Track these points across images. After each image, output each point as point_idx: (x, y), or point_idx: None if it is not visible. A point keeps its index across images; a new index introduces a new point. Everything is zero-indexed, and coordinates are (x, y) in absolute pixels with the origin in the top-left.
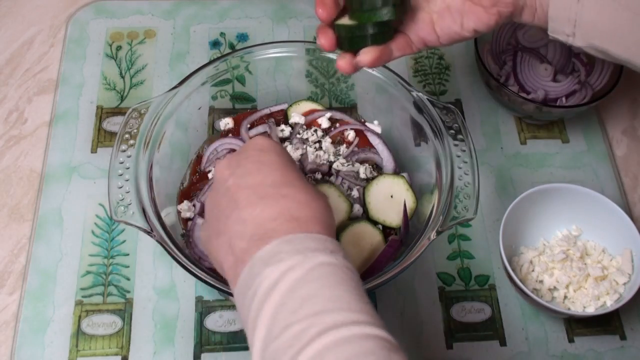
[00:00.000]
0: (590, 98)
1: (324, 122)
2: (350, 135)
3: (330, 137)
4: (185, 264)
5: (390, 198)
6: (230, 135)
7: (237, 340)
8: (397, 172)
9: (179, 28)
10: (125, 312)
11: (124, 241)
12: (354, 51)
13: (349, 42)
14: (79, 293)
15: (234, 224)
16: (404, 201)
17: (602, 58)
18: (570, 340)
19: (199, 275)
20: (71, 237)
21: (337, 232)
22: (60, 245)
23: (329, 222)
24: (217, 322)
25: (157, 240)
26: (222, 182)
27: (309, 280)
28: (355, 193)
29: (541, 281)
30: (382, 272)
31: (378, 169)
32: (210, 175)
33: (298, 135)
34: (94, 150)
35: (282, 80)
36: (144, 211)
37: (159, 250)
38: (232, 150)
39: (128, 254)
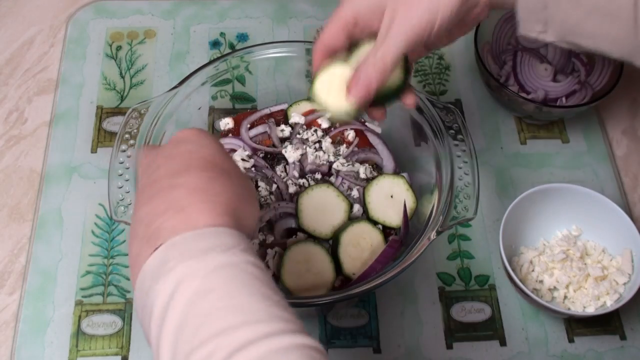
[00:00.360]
0: (590, 98)
1: (324, 122)
2: (350, 135)
3: (330, 137)
4: None
5: (390, 198)
6: (230, 135)
7: None
8: (397, 172)
9: (179, 28)
10: (125, 312)
11: (124, 241)
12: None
13: (382, 99)
14: (79, 293)
15: (134, 223)
16: (404, 201)
17: (574, 49)
18: (570, 340)
19: None
20: (71, 237)
21: (337, 232)
22: (60, 245)
23: (232, 203)
24: None
25: None
26: (138, 180)
27: (206, 291)
28: (355, 193)
29: (541, 281)
30: (382, 272)
31: (378, 169)
32: None
33: (298, 136)
34: (94, 150)
35: (282, 80)
36: None
37: None
38: (233, 151)
39: (128, 254)
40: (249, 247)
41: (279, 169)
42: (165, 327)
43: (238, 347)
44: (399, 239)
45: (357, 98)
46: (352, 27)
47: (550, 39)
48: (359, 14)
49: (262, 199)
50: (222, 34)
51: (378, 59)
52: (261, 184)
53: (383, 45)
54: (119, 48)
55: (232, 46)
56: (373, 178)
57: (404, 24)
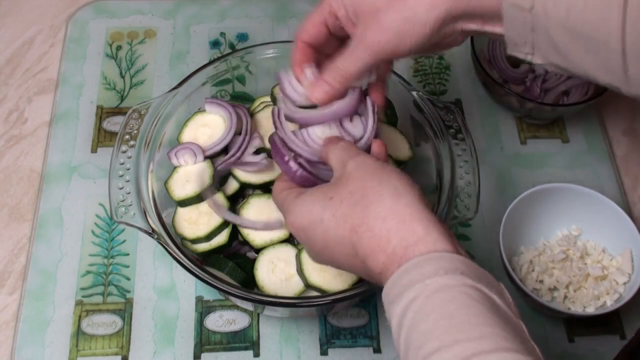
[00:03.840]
0: (593, 93)
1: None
2: None
3: None
4: (185, 264)
5: None
6: None
7: (237, 340)
8: None
9: (179, 28)
10: (125, 312)
11: (124, 241)
12: None
13: None
14: (79, 293)
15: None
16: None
17: (562, 73)
18: (570, 340)
19: (199, 275)
20: (71, 237)
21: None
22: (60, 245)
23: (434, 219)
24: (217, 322)
25: (158, 241)
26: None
27: (427, 313)
28: None
29: (541, 281)
30: None
31: None
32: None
33: None
34: (94, 150)
35: None
36: (144, 212)
37: (159, 250)
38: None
39: (128, 254)
40: (471, 269)
41: None
42: (400, 347)
43: None
44: None
45: (316, 100)
46: (334, 21)
47: (538, 61)
48: (338, 13)
49: None
50: (222, 34)
51: (340, 70)
52: None
53: (348, 58)
54: (119, 48)
55: (232, 46)
56: None
57: (372, 44)
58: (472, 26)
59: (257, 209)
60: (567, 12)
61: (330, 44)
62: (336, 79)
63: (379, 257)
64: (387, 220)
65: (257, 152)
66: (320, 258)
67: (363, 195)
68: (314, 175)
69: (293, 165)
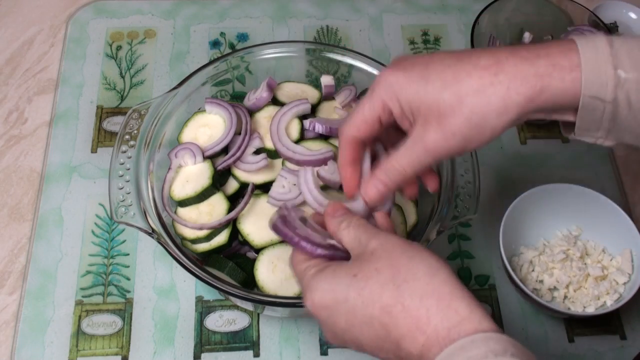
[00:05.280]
0: None
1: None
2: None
3: None
4: (185, 264)
5: None
6: None
7: (237, 340)
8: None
9: (179, 28)
10: (125, 312)
11: (124, 241)
12: None
13: None
14: (79, 293)
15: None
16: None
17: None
18: (570, 340)
19: (199, 275)
20: (71, 237)
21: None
22: (60, 245)
23: (473, 296)
24: (217, 322)
25: (158, 241)
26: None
27: None
28: None
29: (541, 281)
30: None
31: None
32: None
33: None
34: (94, 150)
35: (282, 80)
36: (144, 212)
37: (159, 250)
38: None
39: (128, 254)
40: (519, 351)
41: None
42: None
43: None
44: None
45: (368, 199)
46: (388, 117)
47: (607, 144)
48: (393, 110)
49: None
50: (222, 34)
51: (397, 170)
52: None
53: (405, 158)
54: (119, 48)
55: (232, 46)
56: None
57: (433, 149)
58: (539, 116)
59: (255, 215)
60: None
61: (382, 133)
62: (391, 178)
63: (418, 338)
64: (424, 299)
65: (257, 152)
66: (341, 338)
67: (394, 273)
68: (332, 250)
69: (309, 247)
